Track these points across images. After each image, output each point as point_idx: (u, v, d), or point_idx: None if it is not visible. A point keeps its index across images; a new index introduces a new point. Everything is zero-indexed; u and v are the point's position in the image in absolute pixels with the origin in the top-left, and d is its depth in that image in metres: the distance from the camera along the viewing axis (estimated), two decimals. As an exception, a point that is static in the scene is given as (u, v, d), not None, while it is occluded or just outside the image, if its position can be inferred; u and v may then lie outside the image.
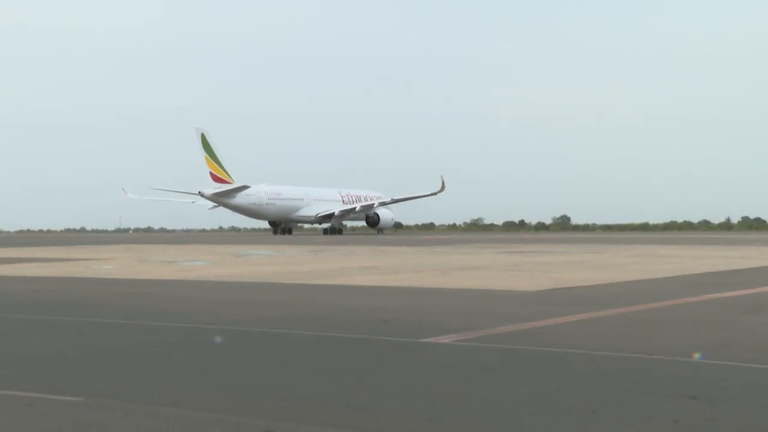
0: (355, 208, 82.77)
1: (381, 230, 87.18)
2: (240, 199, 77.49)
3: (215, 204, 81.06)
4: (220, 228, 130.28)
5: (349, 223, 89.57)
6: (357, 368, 5.87)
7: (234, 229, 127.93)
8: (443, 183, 75.35)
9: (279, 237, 68.36)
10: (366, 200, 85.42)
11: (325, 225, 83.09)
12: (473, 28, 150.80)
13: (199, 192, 76.89)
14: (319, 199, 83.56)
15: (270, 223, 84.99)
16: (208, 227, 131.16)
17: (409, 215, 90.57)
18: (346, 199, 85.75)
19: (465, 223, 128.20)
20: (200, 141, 77.01)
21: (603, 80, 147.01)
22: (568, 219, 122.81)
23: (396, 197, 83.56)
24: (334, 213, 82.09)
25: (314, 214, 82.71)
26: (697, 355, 6.25)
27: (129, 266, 20.32)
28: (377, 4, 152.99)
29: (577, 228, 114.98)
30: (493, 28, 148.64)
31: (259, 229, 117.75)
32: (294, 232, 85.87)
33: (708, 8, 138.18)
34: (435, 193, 77.59)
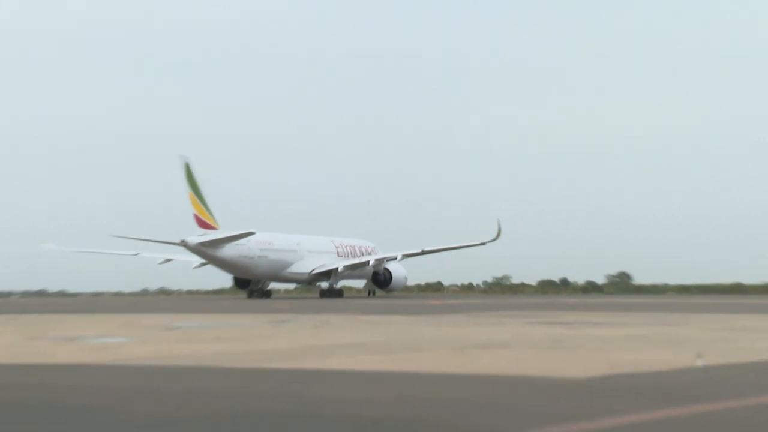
0: (368, 261, 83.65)
1: (373, 292, 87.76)
2: (229, 250, 79.13)
3: (168, 259, 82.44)
4: (145, 290, 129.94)
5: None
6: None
7: (164, 292, 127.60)
8: (499, 229, 75.89)
9: (230, 303, 68.11)
10: (363, 252, 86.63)
11: (323, 284, 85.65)
12: (500, 37, 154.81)
13: (182, 241, 77.56)
14: (313, 250, 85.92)
15: (237, 281, 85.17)
16: (126, 288, 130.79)
17: (409, 271, 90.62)
18: (340, 250, 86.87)
19: (485, 282, 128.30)
20: (185, 173, 77.95)
21: (668, 91, 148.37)
22: (629, 277, 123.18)
23: (427, 248, 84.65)
24: (337, 269, 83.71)
25: (308, 271, 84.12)
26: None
27: (14, 346, 20.18)
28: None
29: (642, 290, 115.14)
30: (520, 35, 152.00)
31: (200, 291, 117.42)
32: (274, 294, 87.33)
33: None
34: (485, 243, 78.27)
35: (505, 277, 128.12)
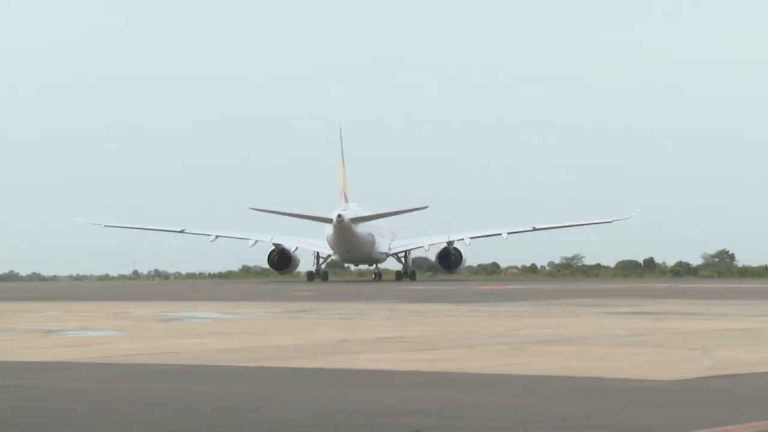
0: (462, 239, 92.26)
1: (378, 275, 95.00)
2: (362, 227, 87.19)
3: (257, 240, 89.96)
4: (135, 273, 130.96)
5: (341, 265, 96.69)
6: None
7: (160, 275, 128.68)
8: (640, 205, 79.27)
9: (240, 289, 68.65)
10: (390, 230, 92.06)
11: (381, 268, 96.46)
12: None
13: (339, 216, 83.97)
14: (384, 227, 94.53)
15: (274, 262, 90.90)
16: (114, 272, 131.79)
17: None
18: (389, 227, 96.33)
19: (552, 263, 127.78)
20: (339, 141, 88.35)
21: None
22: (731, 257, 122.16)
23: (539, 225, 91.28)
24: (422, 247, 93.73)
25: (386, 250, 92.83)
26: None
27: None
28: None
29: (747, 273, 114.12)
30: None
31: (202, 275, 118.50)
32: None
33: None
34: (611, 221, 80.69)
35: (577, 258, 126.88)
